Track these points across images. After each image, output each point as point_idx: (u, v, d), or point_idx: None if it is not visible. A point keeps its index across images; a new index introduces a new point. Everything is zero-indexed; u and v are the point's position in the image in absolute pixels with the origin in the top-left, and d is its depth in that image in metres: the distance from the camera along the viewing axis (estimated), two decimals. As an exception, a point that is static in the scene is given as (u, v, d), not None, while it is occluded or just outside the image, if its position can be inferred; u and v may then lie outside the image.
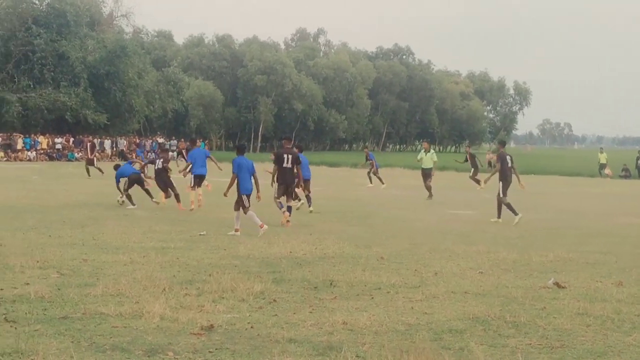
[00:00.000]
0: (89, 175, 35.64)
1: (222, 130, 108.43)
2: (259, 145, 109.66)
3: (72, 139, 68.41)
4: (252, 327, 7.69)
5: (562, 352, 7.08)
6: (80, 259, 11.70)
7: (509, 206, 19.86)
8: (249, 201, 16.33)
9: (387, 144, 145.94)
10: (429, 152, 28.40)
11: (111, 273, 10.52)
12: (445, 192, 29.85)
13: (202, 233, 15.62)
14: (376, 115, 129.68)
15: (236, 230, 15.93)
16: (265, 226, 15.93)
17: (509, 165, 20.55)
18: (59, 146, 66.29)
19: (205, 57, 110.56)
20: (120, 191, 22.25)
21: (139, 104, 77.92)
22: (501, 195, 20.18)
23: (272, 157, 23.14)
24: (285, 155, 18.70)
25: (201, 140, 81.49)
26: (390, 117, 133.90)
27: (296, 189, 19.51)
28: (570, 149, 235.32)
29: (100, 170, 35.92)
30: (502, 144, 22.57)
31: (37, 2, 75.39)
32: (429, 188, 27.46)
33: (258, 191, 16.68)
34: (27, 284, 9.50)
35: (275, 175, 18.99)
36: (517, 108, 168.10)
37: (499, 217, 20.18)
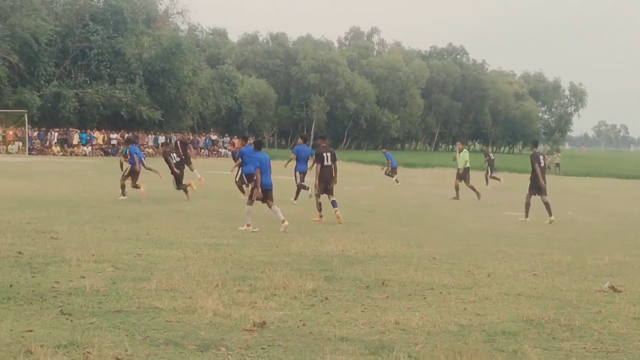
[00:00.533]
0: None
1: (274, 128, 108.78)
2: (311, 144, 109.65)
3: (127, 135, 69.11)
4: (304, 325, 7.69)
5: (618, 356, 6.97)
6: (134, 253, 11.82)
7: (527, 206, 20.40)
8: (265, 195, 16.47)
9: (440, 144, 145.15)
10: (461, 152, 28.16)
11: (165, 268, 10.61)
12: (498, 193, 29.63)
13: (254, 230, 15.67)
14: (429, 115, 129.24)
15: (247, 226, 16.06)
16: (287, 222, 16.01)
17: (542, 165, 20.84)
18: (114, 142, 67.05)
19: (259, 55, 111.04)
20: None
21: (193, 101, 78.46)
22: (528, 193, 20.68)
23: (293, 155, 23.54)
24: (324, 154, 19.01)
25: (254, 137, 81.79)
26: (443, 117, 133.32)
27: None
28: (626, 152, 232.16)
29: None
30: (535, 144, 22.76)
31: (94, -1, 76.49)
32: (456, 188, 27.23)
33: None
34: (83, 277, 9.63)
35: (316, 174, 18.98)
36: (572, 109, 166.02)
37: (550, 215, 20.13)
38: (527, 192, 20.81)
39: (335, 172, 19.14)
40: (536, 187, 20.58)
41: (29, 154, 58.99)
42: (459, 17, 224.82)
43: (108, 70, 71.40)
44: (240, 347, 6.79)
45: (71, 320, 7.46)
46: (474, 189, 27.18)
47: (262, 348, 6.78)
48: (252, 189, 16.71)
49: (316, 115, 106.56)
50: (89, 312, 7.84)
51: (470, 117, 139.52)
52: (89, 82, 70.57)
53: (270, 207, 16.52)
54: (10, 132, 61.36)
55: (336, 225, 17.30)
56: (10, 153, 58.75)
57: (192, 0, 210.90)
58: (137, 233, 14.45)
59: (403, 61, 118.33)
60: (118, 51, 71.36)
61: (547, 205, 20.28)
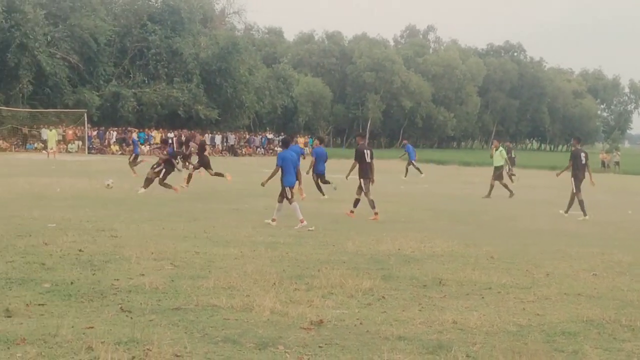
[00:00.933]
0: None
1: (330, 127, 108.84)
2: (367, 142, 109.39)
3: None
4: (361, 324, 7.69)
5: (681, 359, 6.84)
6: (192, 251, 11.91)
7: (581, 203, 20.47)
8: (292, 193, 16.73)
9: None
10: (497, 150, 27.89)
11: (222, 266, 10.68)
12: (555, 192, 29.23)
13: (310, 229, 15.69)
14: (486, 113, 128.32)
15: (273, 220, 16.48)
16: (305, 222, 16.10)
17: (583, 162, 20.94)
18: (171, 141, 67.53)
19: (315, 54, 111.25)
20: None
21: (250, 100, 78.84)
22: (575, 191, 20.81)
23: (313, 159, 23.70)
24: (365, 151, 19.29)
25: (309, 136, 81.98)
26: (500, 115, 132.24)
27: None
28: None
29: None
30: (577, 140, 23.25)
31: (152, -1, 77.34)
32: (491, 186, 26.94)
33: (300, 183, 17.78)
34: (142, 275, 9.73)
35: (359, 172, 19.18)
36: (632, 107, 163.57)
37: (584, 214, 20.38)
38: (575, 190, 20.86)
39: (372, 170, 19.26)
40: (580, 182, 20.80)
41: (88, 153, 59.82)
42: (516, 15, 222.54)
43: (166, 69, 72.14)
44: (298, 345, 6.81)
45: (131, 317, 7.55)
46: (491, 188, 26.87)
47: (320, 346, 6.79)
48: (284, 187, 16.84)
49: (372, 114, 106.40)
50: (148, 309, 7.92)
51: (528, 115, 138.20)
52: (147, 81, 71.39)
53: (290, 203, 16.71)
54: (70, 132, 62.30)
55: (393, 224, 17.24)
56: (70, 152, 59.62)
57: (249, 0, 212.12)
58: (195, 231, 14.56)
59: (459, 59, 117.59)
60: (175, 51, 72.04)
61: (572, 201, 20.73)
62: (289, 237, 14.33)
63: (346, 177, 19.95)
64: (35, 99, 63.23)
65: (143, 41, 72.10)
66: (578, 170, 20.97)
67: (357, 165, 19.25)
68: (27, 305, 7.89)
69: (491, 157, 28.22)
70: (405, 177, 36.94)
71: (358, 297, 8.96)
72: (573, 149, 22.25)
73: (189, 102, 70.83)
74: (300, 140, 78.97)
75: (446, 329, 7.61)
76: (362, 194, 19.00)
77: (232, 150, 70.91)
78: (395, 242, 13.82)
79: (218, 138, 71.97)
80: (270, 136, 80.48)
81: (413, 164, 37.82)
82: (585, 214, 20.39)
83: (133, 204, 19.79)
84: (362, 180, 19.04)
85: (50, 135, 53.41)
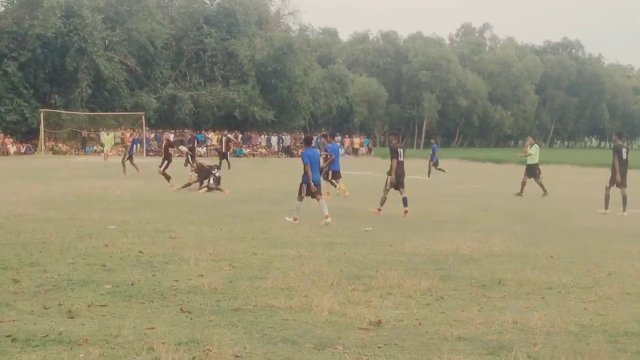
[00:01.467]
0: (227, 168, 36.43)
1: (385, 127, 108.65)
2: (423, 141, 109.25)
3: (240, 135, 70.13)
4: (420, 324, 7.65)
5: None
6: (250, 252, 11.96)
7: (607, 198, 20.83)
8: (319, 190, 17.40)
9: (555, 140, 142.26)
10: (532, 147, 27.50)
11: (280, 267, 10.71)
12: (613, 190, 28.75)
13: (367, 229, 15.66)
14: (543, 111, 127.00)
15: (295, 219, 16.76)
16: (329, 219, 16.51)
17: (624, 158, 20.92)
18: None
19: (370, 54, 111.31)
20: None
21: (305, 100, 79.08)
22: (607, 185, 21.02)
23: (331, 156, 23.62)
24: (399, 149, 19.52)
25: (365, 136, 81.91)
26: (558, 113, 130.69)
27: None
28: None
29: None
30: (619, 136, 23.11)
31: (208, 2, 78.10)
32: (523, 184, 26.53)
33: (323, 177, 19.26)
34: (201, 276, 9.81)
35: (392, 169, 19.32)
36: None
37: (624, 210, 20.48)
38: (607, 184, 20.98)
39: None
40: (614, 180, 20.80)
41: (146, 155, 60.48)
42: (574, 11, 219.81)
43: (221, 71, 72.76)
44: (357, 345, 6.80)
45: (191, 318, 7.61)
46: (523, 185, 26.49)
47: (379, 347, 6.78)
48: (302, 185, 17.31)
49: (427, 113, 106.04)
50: (207, 310, 7.98)
51: (587, 112, 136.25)
52: (203, 83, 72.07)
53: (318, 200, 17.24)
54: (128, 134, 63.03)
55: (450, 224, 17.13)
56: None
57: (303, 1, 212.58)
58: (253, 232, 14.63)
59: (516, 56, 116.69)
60: (231, 53, 72.58)
61: (624, 198, 20.54)
62: (347, 237, 14.32)
63: (388, 173, 19.86)
64: (93, 103, 64.20)
65: (199, 44, 72.81)
66: (620, 165, 20.93)
67: (392, 163, 19.43)
68: (89, 306, 8.00)
69: (525, 154, 27.86)
70: (428, 177, 36.66)
71: (416, 298, 8.92)
72: (614, 144, 22.32)
73: (245, 103, 71.30)
74: (356, 140, 79.02)
75: (506, 329, 7.54)
76: (388, 190, 19.34)
77: (288, 151, 71.13)
78: (452, 242, 13.73)
79: (274, 139, 72.24)
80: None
81: (434, 165, 37.43)
82: (606, 208, 20.71)
83: (190, 205, 19.95)
84: (392, 176, 19.30)
85: (107, 138, 54.14)
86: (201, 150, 64.89)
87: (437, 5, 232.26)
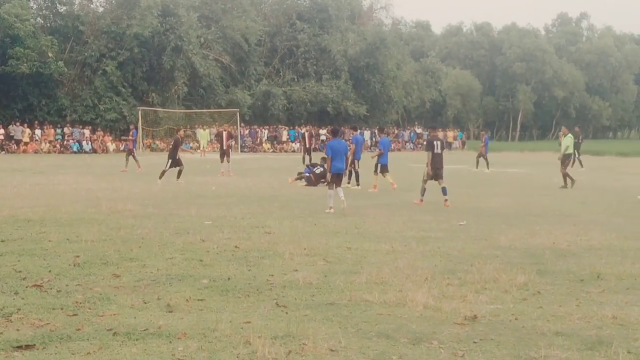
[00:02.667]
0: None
1: (479, 120, 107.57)
2: (518, 134, 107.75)
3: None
4: (516, 319, 7.56)
5: None
6: (344, 247, 12.01)
7: None
8: (339, 179, 18.15)
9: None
10: (566, 136, 26.87)
11: (374, 261, 10.72)
12: None
13: (462, 223, 15.55)
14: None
15: (330, 209, 17.44)
16: (332, 210, 17.29)
17: None
18: (322, 137, 68.32)
19: (463, 46, 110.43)
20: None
21: (398, 94, 78.91)
22: None
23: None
24: (435, 142, 20.25)
25: (458, 130, 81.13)
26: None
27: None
28: None
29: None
30: None
31: (300, -2, 78.48)
32: (564, 175, 25.96)
33: (347, 168, 20.15)
34: (296, 270, 9.89)
35: (428, 161, 19.89)
36: None
37: None
38: None
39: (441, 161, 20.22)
40: None
41: (241, 151, 61.19)
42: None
43: (314, 67, 73.15)
44: (452, 340, 6.77)
45: (286, 313, 7.69)
46: (567, 176, 25.78)
47: (474, 342, 6.73)
48: (330, 175, 17.99)
49: (522, 105, 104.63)
50: (303, 304, 8.05)
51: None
52: (296, 79, 72.59)
53: (335, 188, 17.85)
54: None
55: (547, 217, 16.87)
56: (224, 151, 61.05)
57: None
58: (346, 227, 14.68)
59: (614, 46, 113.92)
60: (324, 48, 72.90)
61: None
62: (440, 231, 14.24)
63: (427, 165, 20.15)
64: (189, 100, 65.24)
65: (292, 40, 73.37)
66: None
67: (429, 155, 20.00)
68: (187, 300, 8.15)
69: (559, 144, 27.29)
70: (476, 168, 36.13)
71: (512, 292, 8.82)
72: None
73: (338, 98, 71.51)
74: (450, 133, 78.46)
75: (605, 324, 7.39)
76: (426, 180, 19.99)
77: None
78: (549, 235, 13.53)
79: (367, 134, 72.19)
80: (419, 131, 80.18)
81: (485, 157, 36.69)
82: None
83: (284, 201, 20.11)
84: (429, 168, 19.87)
85: (203, 134, 55.05)
86: (295, 146, 65.38)
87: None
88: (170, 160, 26.65)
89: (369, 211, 17.67)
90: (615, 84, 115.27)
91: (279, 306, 7.95)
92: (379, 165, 24.23)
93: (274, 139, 67.07)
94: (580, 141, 39.56)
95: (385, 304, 8.11)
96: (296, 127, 68.30)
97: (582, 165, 37.63)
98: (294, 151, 63.90)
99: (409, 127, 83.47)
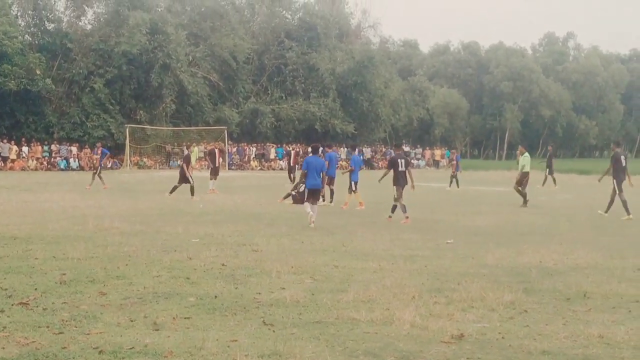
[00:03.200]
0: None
1: (467, 138, 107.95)
2: (505, 153, 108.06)
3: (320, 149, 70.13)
4: (503, 338, 7.57)
5: None
6: (331, 265, 12.01)
7: (624, 203, 21.89)
8: (315, 194, 19.04)
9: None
10: (523, 155, 27.09)
11: (361, 279, 10.72)
12: None
13: (449, 241, 15.58)
14: (629, 121, 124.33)
15: (311, 223, 18.12)
16: (312, 225, 17.92)
17: (623, 164, 22.57)
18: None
19: (451, 65, 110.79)
20: None
21: (385, 113, 79.14)
22: (617, 192, 22.29)
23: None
24: (399, 160, 20.74)
25: (446, 148, 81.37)
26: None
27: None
28: None
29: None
30: (617, 144, 24.80)
31: (289, 16, 78.75)
32: (517, 191, 26.27)
33: (323, 186, 20.24)
34: (283, 288, 9.88)
35: (393, 179, 20.54)
36: None
37: (628, 214, 21.78)
38: (617, 191, 22.46)
39: (411, 178, 20.66)
40: (621, 182, 22.42)
41: (228, 169, 61.18)
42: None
43: (302, 85, 73.29)
44: (439, 359, 6.77)
45: (273, 331, 7.67)
46: (522, 194, 26.01)
47: (461, 361, 6.74)
48: (305, 189, 19.11)
49: (509, 124, 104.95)
50: (290, 322, 8.03)
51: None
52: (284, 97, 72.72)
53: (314, 204, 18.78)
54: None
55: (533, 236, 16.91)
56: (211, 168, 61.06)
57: (384, 13, 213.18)
58: (333, 245, 14.68)
59: (601, 66, 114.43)
60: (312, 66, 73.06)
61: (623, 203, 22.01)
62: (428, 250, 14.26)
63: (379, 181, 21.27)
64: (177, 118, 65.25)
65: (280, 58, 73.52)
66: (619, 172, 22.52)
67: (393, 173, 20.60)
68: (174, 318, 8.13)
69: (517, 163, 27.41)
70: (449, 187, 36.38)
71: (499, 311, 8.83)
72: (613, 152, 23.71)
73: (326, 116, 71.64)
74: (437, 152, 78.70)
75: (592, 343, 7.41)
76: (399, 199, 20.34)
77: (369, 164, 71.19)
78: (536, 254, 13.57)
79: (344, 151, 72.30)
80: (406, 149, 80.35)
81: (455, 176, 36.90)
82: (628, 213, 21.62)
83: (271, 218, 20.11)
84: (395, 187, 20.34)
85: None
86: (283, 164, 65.37)
87: (519, 15, 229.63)
88: (188, 176, 27.00)
89: (356, 229, 17.69)
90: (602, 104, 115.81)
91: (266, 324, 7.94)
92: (351, 182, 24.32)
93: (262, 157, 67.10)
94: (552, 159, 39.75)
95: (373, 322, 8.11)
96: (284, 145, 68.34)
97: (555, 183, 37.83)
98: (281, 169, 63.88)
99: (325, 144, 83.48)
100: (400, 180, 20.32)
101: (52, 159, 55.98)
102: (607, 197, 23.01)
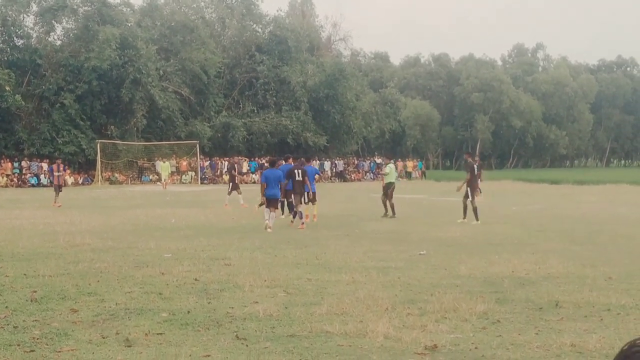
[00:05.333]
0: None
1: (439, 149, 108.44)
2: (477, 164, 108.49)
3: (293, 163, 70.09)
4: (476, 348, 7.60)
5: None
6: (304, 278, 11.99)
7: (475, 210, 23.56)
8: (274, 203, 21.27)
9: (612, 160, 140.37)
10: (387, 166, 27.27)
11: (335, 292, 10.71)
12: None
13: (421, 252, 15.61)
14: (599, 130, 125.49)
15: (269, 228, 20.40)
16: (270, 230, 20.17)
17: (476, 173, 24.48)
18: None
19: (422, 77, 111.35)
20: None
21: (357, 125, 79.26)
22: (470, 199, 23.91)
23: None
24: (296, 171, 22.67)
25: (418, 160, 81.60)
26: (614, 132, 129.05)
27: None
28: None
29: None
30: (469, 154, 27.04)
31: (259, 30, 78.72)
32: (390, 205, 25.85)
33: (282, 196, 22.20)
34: (256, 302, 9.85)
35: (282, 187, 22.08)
36: None
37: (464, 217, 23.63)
38: (470, 198, 23.92)
39: (302, 187, 22.52)
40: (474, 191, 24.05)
41: (201, 183, 61.02)
42: (628, 29, 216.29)
43: (274, 98, 73.25)
44: (412, 371, 6.78)
45: (246, 345, 7.65)
46: (386, 206, 25.88)
47: (435, 372, 6.74)
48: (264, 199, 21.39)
49: (481, 135, 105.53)
50: (263, 336, 8.01)
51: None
52: (256, 111, 72.63)
53: (272, 211, 21.03)
54: (184, 163, 63.71)
55: (506, 246, 16.99)
56: (184, 183, 60.95)
57: (355, 26, 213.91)
58: (307, 258, 14.67)
59: (570, 76, 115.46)
60: (283, 80, 73.07)
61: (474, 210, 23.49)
62: (401, 261, 14.29)
63: (280, 190, 22.01)
64: (149, 132, 64.98)
65: (252, 72, 73.50)
66: (473, 181, 24.11)
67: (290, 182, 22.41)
68: (146, 334, 8.09)
69: (385, 174, 27.27)
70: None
71: (472, 321, 8.86)
72: (467, 162, 25.58)
73: (298, 129, 71.63)
74: (410, 163, 78.95)
75: (564, 352, 7.46)
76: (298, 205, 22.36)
77: (341, 176, 71.24)
78: (508, 264, 13.63)
79: (327, 164, 72.35)
80: (379, 161, 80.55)
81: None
82: (476, 219, 23.15)
83: (244, 232, 20.09)
84: (293, 195, 22.34)
85: (164, 167, 54.74)
86: (255, 177, 65.27)
87: (489, 27, 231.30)
88: (230, 184, 27.74)
89: (330, 242, 17.69)
90: (572, 114, 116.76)
91: (239, 339, 7.92)
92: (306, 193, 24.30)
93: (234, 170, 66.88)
94: (480, 170, 39.97)
95: (346, 334, 8.10)
96: (256, 159, 68.27)
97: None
98: (254, 182, 63.79)
99: (369, 157, 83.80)
100: (295, 188, 22.34)
101: (23, 176, 55.55)
102: (578, 208, 23.19)
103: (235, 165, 33.46)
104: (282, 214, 24.84)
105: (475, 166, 24.73)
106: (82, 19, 60.43)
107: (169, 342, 7.77)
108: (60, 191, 32.45)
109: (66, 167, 34.69)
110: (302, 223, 21.58)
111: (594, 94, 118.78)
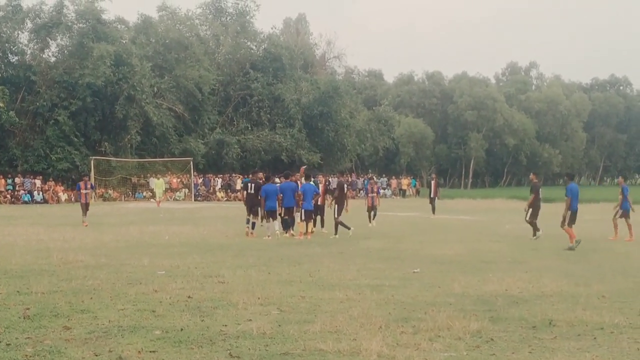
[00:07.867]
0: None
1: (432, 167, 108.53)
2: (470, 181, 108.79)
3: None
4: (469, 367, 7.59)
5: None
6: (298, 295, 11.97)
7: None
8: (270, 216, 24.12)
9: (605, 178, 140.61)
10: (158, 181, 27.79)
11: (328, 310, 10.69)
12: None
13: (415, 270, 15.60)
14: (592, 149, 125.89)
15: (268, 236, 23.37)
16: (270, 238, 23.24)
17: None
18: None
19: (415, 95, 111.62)
20: None
21: (351, 142, 79.34)
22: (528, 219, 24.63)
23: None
24: (250, 184, 26.04)
25: (411, 177, 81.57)
26: (607, 150, 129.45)
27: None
28: None
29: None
30: (535, 175, 27.63)
31: (254, 47, 78.90)
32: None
33: (281, 207, 24.58)
34: (250, 320, 9.82)
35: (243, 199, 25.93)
36: None
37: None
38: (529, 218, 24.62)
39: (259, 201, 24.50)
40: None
41: (194, 200, 60.96)
42: (621, 48, 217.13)
43: (268, 116, 73.33)
44: (406, 389, 6.76)
45: (240, 363, 7.62)
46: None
47: (428, 390, 6.74)
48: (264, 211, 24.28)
49: (474, 153, 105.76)
50: (256, 355, 7.98)
51: (636, 149, 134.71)
52: (250, 128, 72.64)
53: (271, 222, 23.95)
54: (177, 180, 63.64)
55: (499, 264, 16.99)
56: (177, 200, 60.86)
57: (349, 44, 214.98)
58: (300, 275, 14.65)
59: (563, 95, 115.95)
60: (277, 97, 73.20)
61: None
62: (394, 279, 14.27)
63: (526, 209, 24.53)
64: (143, 149, 64.97)
65: (246, 89, 73.58)
66: (537, 201, 24.74)
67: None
68: (139, 352, 8.05)
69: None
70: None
71: (466, 340, 8.85)
72: (533, 183, 26.29)
73: (292, 147, 71.69)
74: (404, 181, 79.06)
75: (558, 371, 7.45)
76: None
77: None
78: (502, 282, 13.63)
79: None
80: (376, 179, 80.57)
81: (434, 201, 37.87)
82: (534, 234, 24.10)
83: (238, 249, 20.05)
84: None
85: (158, 183, 54.67)
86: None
87: (482, 45, 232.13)
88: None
89: (323, 259, 17.66)
90: (565, 132, 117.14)
91: (233, 357, 7.89)
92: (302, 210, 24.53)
93: (228, 188, 66.83)
94: (437, 188, 40.28)
95: (340, 353, 8.08)
96: (250, 176, 68.05)
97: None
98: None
99: (362, 175, 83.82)
100: (249, 201, 25.29)
101: (16, 192, 55.44)
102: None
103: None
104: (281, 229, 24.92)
105: (540, 188, 25.33)
106: (77, 35, 60.50)
107: (162, 360, 7.74)
108: (87, 209, 31.28)
109: (94, 185, 33.98)
110: (251, 233, 24.56)
111: (587, 112, 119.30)
